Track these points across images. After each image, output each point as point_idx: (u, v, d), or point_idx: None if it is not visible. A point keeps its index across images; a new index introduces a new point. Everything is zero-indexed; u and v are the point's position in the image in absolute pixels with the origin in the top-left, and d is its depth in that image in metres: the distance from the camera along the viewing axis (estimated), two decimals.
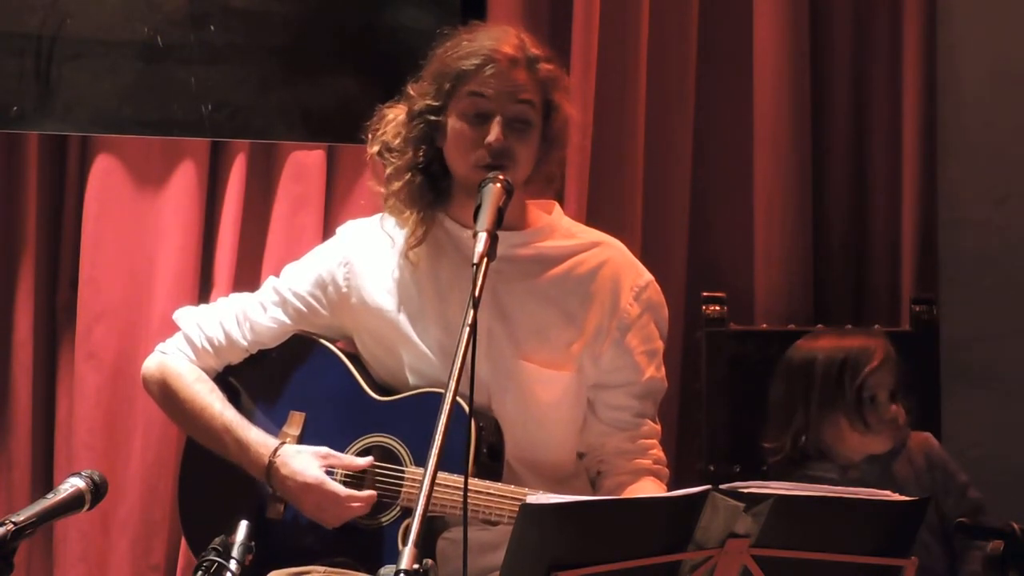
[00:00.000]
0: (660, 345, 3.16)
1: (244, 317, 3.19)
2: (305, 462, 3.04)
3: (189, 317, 3.23)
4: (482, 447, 3.00)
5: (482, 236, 2.69)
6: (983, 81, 4.20)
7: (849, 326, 3.99)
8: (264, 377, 3.18)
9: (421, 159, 3.08)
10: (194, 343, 3.19)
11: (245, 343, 3.19)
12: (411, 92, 3.11)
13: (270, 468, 3.04)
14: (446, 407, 2.48)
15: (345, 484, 3.03)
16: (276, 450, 3.05)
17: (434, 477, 2.43)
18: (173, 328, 3.25)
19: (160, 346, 3.23)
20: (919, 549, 3.39)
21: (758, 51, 4.09)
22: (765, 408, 3.79)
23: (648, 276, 3.17)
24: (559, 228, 3.17)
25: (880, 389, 3.55)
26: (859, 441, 3.55)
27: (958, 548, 3.54)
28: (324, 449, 3.05)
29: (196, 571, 2.60)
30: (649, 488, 3.08)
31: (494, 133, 3.00)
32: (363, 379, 3.13)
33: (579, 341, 3.09)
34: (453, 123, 3.04)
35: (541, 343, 3.08)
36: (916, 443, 3.62)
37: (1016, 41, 4.19)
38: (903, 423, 3.58)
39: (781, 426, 3.61)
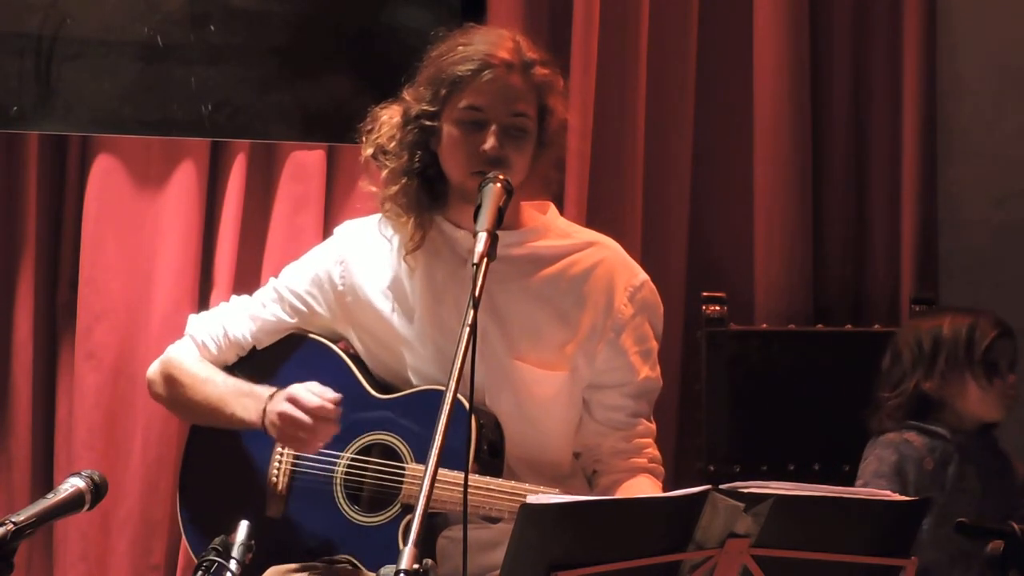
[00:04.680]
0: (655, 345, 3.16)
1: (244, 315, 3.20)
2: (293, 386, 3.05)
3: (193, 320, 3.26)
4: (482, 444, 3.00)
5: (482, 236, 2.68)
6: (983, 81, 4.20)
7: (849, 326, 4.00)
8: (264, 375, 3.18)
9: (417, 164, 3.08)
10: (196, 341, 3.20)
11: (243, 340, 3.20)
12: (406, 96, 3.11)
13: (268, 402, 3.04)
14: (446, 407, 2.48)
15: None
16: (278, 389, 3.07)
17: (434, 476, 2.43)
18: (173, 328, 3.29)
19: (166, 350, 3.25)
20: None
21: (758, 51, 4.09)
22: (765, 407, 3.79)
23: (643, 276, 3.17)
24: (553, 228, 3.17)
25: (1002, 356, 3.60)
26: (979, 399, 3.59)
27: None
28: (312, 382, 3.06)
29: (196, 571, 2.60)
30: (645, 485, 3.08)
31: (490, 142, 2.99)
32: (363, 376, 3.14)
33: (573, 341, 3.09)
34: (448, 129, 3.04)
35: (535, 343, 3.08)
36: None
37: (1016, 41, 4.20)
38: (1013, 397, 3.64)
39: (902, 377, 3.64)
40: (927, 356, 3.61)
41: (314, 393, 3.02)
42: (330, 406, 3.01)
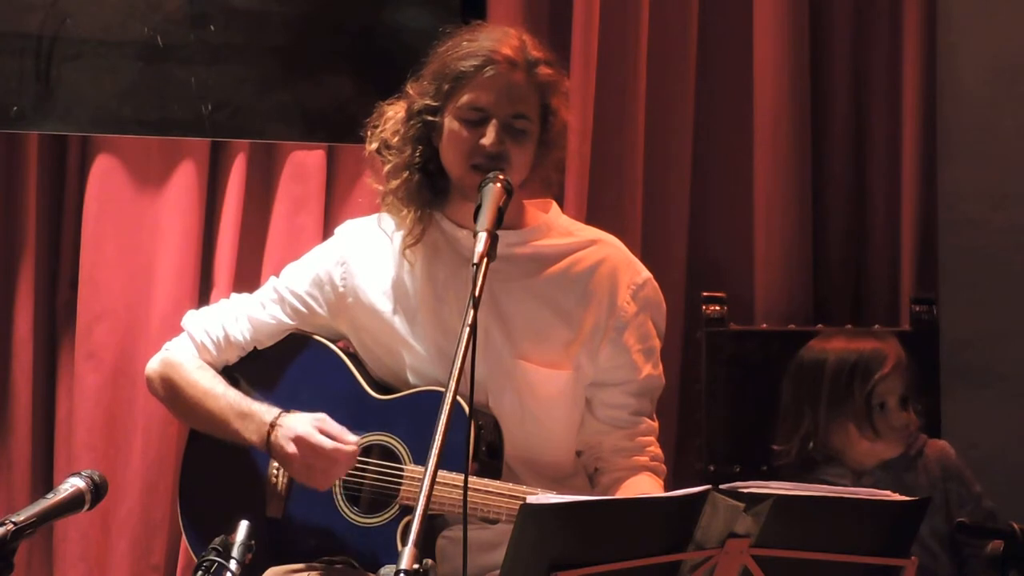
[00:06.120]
0: (657, 343, 3.17)
1: (243, 316, 3.20)
2: (299, 420, 3.04)
3: (192, 318, 3.25)
4: (481, 445, 3.00)
5: (482, 236, 2.69)
6: (983, 81, 4.20)
7: (849, 326, 3.99)
8: (264, 376, 3.19)
9: (418, 158, 3.08)
10: (195, 340, 3.20)
11: (243, 341, 3.19)
12: (410, 91, 3.11)
13: (271, 431, 3.04)
14: (446, 407, 2.48)
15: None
16: (280, 415, 3.06)
17: (434, 477, 2.43)
18: (173, 328, 3.27)
19: (165, 345, 3.24)
20: (928, 558, 3.41)
21: (758, 51, 4.09)
22: (765, 408, 3.78)
23: (646, 274, 3.17)
24: (556, 226, 3.17)
25: (890, 396, 3.51)
26: (868, 448, 3.52)
27: (964, 554, 3.52)
28: (321, 415, 3.05)
29: (196, 571, 2.60)
30: (646, 483, 3.08)
31: (489, 137, 3.00)
32: (362, 377, 3.14)
33: (576, 340, 3.09)
34: (450, 124, 3.04)
35: (538, 342, 3.08)
36: (933, 452, 3.58)
37: (1016, 41, 4.19)
38: (914, 429, 3.54)
39: (790, 429, 3.58)
40: (809, 402, 3.52)
41: (329, 434, 3.01)
42: (347, 448, 3.00)
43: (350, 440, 3.01)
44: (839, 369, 3.53)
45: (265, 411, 3.08)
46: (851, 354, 3.54)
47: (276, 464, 3.12)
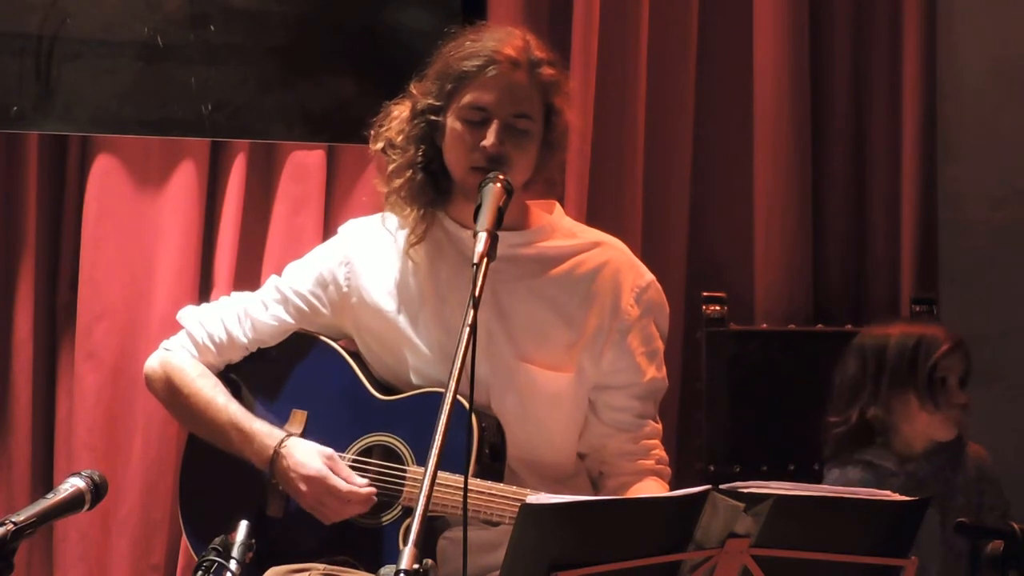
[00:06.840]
0: (660, 345, 3.16)
1: (245, 315, 3.19)
2: (309, 455, 3.04)
3: (192, 315, 3.23)
4: (484, 447, 3.00)
5: (482, 236, 2.69)
6: (983, 81, 4.20)
7: (849, 326, 3.99)
8: (266, 375, 3.19)
9: (421, 158, 3.08)
10: (196, 340, 3.19)
11: (245, 341, 3.19)
12: (414, 91, 3.11)
13: (275, 458, 3.04)
14: (446, 407, 2.48)
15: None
16: (282, 441, 3.05)
17: (434, 477, 2.43)
18: (173, 328, 3.26)
19: (164, 343, 3.24)
20: (954, 558, 3.42)
21: (758, 51, 4.09)
22: (765, 408, 3.79)
23: (649, 277, 3.17)
24: (560, 228, 3.17)
25: (951, 373, 3.56)
26: (927, 422, 3.56)
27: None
28: (329, 451, 3.05)
29: (196, 571, 2.60)
30: (652, 488, 3.08)
31: (490, 138, 2.99)
32: (365, 378, 3.13)
33: (579, 342, 3.09)
34: (452, 124, 3.04)
35: (541, 344, 3.08)
36: (972, 454, 3.63)
37: (1016, 41, 4.20)
38: (969, 413, 3.59)
39: (847, 402, 3.61)
40: (872, 375, 3.57)
41: (340, 475, 3.01)
42: (363, 491, 3.00)
43: (359, 482, 3.02)
44: (903, 345, 3.58)
45: (267, 434, 3.07)
46: (913, 334, 3.60)
47: None
